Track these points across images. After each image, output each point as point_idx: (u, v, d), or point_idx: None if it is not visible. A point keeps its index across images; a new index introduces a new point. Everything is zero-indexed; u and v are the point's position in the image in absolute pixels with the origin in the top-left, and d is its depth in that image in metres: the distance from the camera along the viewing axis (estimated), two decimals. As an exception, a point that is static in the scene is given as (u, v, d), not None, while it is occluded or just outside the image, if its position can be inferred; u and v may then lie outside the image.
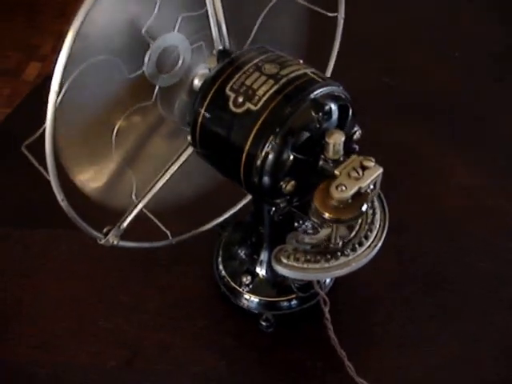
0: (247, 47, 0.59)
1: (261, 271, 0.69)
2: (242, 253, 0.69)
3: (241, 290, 0.68)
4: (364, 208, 0.51)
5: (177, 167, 0.61)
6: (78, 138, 0.53)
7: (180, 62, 0.57)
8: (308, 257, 0.55)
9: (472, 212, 0.80)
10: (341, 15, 0.67)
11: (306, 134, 0.52)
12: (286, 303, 0.67)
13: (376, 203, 0.60)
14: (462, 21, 1.11)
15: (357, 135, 0.57)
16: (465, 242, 0.76)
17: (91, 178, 0.56)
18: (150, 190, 0.60)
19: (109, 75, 0.51)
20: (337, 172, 0.51)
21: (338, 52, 0.70)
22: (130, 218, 0.60)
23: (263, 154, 0.51)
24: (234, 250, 0.70)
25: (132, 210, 0.60)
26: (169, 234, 0.64)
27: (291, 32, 0.63)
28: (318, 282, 0.63)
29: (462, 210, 0.80)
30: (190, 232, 0.69)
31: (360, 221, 0.58)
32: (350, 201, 0.50)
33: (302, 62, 0.56)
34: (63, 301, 0.71)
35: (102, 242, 0.57)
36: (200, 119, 0.56)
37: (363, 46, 1.01)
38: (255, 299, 0.68)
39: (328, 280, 0.69)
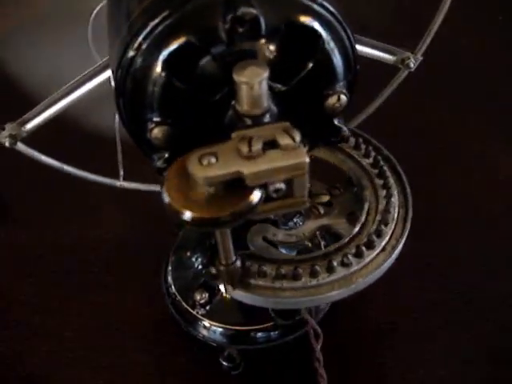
0: None
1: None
2: (197, 260, 0.54)
3: (194, 312, 0.52)
4: (256, 198, 0.30)
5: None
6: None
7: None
8: (282, 270, 0.37)
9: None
10: None
11: (202, 51, 0.32)
12: (259, 334, 0.52)
13: (390, 180, 0.40)
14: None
15: (332, 102, 0.35)
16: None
17: None
18: (79, 85, 0.43)
19: None
20: (233, 135, 0.31)
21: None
22: (41, 119, 0.44)
23: (126, 59, 0.32)
24: (186, 257, 0.55)
25: (46, 107, 0.44)
26: (121, 173, 0.50)
27: None
28: None
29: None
30: (144, 184, 0.52)
31: (366, 206, 0.39)
32: (224, 190, 0.30)
33: None
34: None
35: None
36: None
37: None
38: (215, 327, 0.52)
39: None
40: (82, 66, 0.45)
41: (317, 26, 0.33)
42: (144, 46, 0.32)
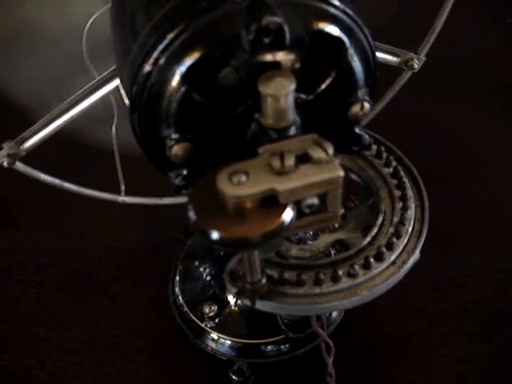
0: None
1: (232, 298, 0.51)
2: (205, 271, 0.52)
3: (202, 325, 0.51)
4: (288, 218, 0.28)
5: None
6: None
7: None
8: (286, 275, 0.35)
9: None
10: None
11: (224, 63, 0.30)
12: (270, 348, 0.51)
13: (409, 192, 0.39)
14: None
15: (355, 111, 0.34)
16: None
17: None
18: (77, 102, 0.41)
19: None
20: (260, 150, 0.29)
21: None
22: (39, 137, 0.42)
23: (142, 75, 0.31)
24: (194, 266, 0.54)
25: (44, 125, 0.42)
26: (122, 188, 0.48)
27: None
28: (318, 316, 0.45)
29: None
30: (145, 198, 0.51)
31: (380, 219, 0.38)
32: (254, 208, 0.28)
33: None
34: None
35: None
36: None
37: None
38: (223, 340, 0.50)
39: (334, 313, 0.53)
40: (78, 80, 0.43)
41: (340, 32, 0.31)
42: (161, 61, 0.30)
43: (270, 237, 0.28)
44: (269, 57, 0.29)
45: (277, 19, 0.28)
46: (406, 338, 0.55)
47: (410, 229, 0.38)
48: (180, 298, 0.53)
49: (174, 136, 0.31)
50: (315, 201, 0.29)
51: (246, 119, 0.31)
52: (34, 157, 0.42)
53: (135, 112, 0.32)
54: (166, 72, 0.30)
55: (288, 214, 0.28)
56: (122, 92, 0.41)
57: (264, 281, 0.35)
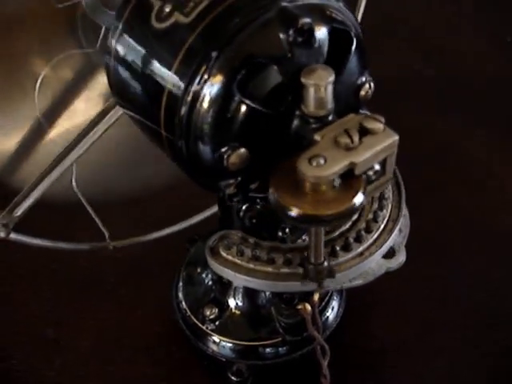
0: None
1: (232, 302, 0.51)
2: (207, 276, 0.53)
3: (203, 327, 0.51)
4: (359, 200, 0.31)
5: (101, 131, 0.42)
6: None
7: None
8: (257, 252, 0.38)
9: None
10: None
11: (268, 66, 0.33)
12: (268, 350, 0.51)
13: (387, 193, 0.41)
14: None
15: (366, 89, 0.37)
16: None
17: None
18: (60, 161, 0.42)
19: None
20: (317, 137, 0.32)
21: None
22: (29, 202, 0.42)
23: (191, 93, 0.32)
24: (197, 273, 0.54)
25: (33, 189, 0.42)
26: (106, 235, 0.49)
27: None
28: (314, 319, 0.45)
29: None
30: (134, 238, 0.52)
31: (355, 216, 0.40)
32: (335, 186, 0.31)
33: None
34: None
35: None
36: (113, 53, 0.37)
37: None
38: (224, 342, 0.51)
39: (331, 316, 0.54)
40: (30, 136, 0.45)
41: (344, 25, 0.35)
42: (209, 78, 0.32)
43: (342, 216, 0.31)
44: (303, 54, 0.33)
45: (308, 20, 0.32)
46: (398, 343, 0.55)
47: (383, 226, 0.39)
48: (183, 303, 0.53)
49: (231, 145, 0.33)
50: (378, 167, 0.33)
51: (289, 117, 0.34)
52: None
53: (182, 135, 0.34)
54: (215, 87, 0.32)
55: (359, 198, 0.31)
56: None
57: (326, 264, 0.37)
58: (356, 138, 0.31)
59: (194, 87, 0.32)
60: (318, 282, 0.37)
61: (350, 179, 0.31)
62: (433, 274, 0.59)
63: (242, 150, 0.34)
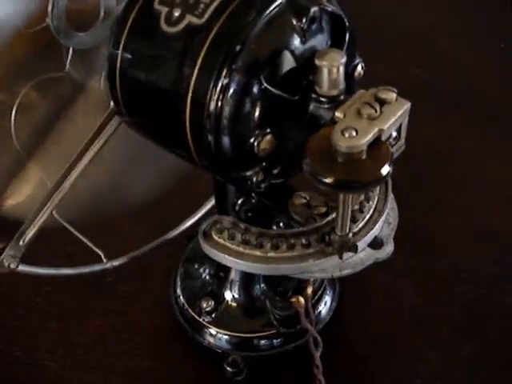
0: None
1: (228, 295, 0.53)
2: (204, 271, 0.54)
3: (200, 319, 0.52)
4: (386, 170, 0.32)
5: (94, 152, 0.42)
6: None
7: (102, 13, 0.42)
8: (247, 236, 0.40)
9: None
10: None
11: (284, 54, 0.35)
12: (263, 342, 0.52)
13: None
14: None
15: (358, 70, 0.39)
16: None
17: None
18: (58, 187, 0.43)
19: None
20: (339, 114, 0.34)
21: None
22: (33, 231, 0.43)
23: (218, 90, 0.34)
24: (195, 267, 0.56)
25: (35, 218, 0.43)
26: (102, 256, 0.49)
27: None
28: (307, 312, 0.47)
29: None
30: (128, 254, 0.53)
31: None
32: (363, 156, 0.32)
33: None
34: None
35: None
36: (118, 64, 0.38)
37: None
38: (220, 334, 0.52)
39: (324, 310, 0.55)
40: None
41: (337, 10, 0.38)
42: (235, 71, 0.34)
43: (371, 184, 0.33)
44: (314, 40, 0.36)
45: (318, 9, 0.35)
46: (392, 338, 0.55)
47: (368, 216, 0.41)
48: (181, 297, 0.54)
49: (260, 132, 0.36)
50: (395, 133, 0.35)
51: (305, 100, 0.36)
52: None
53: (212, 131, 0.35)
54: (242, 79, 0.34)
55: (385, 169, 0.32)
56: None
57: (351, 236, 0.38)
58: (378, 108, 0.33)
59: (221, 82, 0.34)
60: (340, 254, 0.39)
61: (375, 148, 0.33)
62: (426, 270, 0.60)
63: (269, 135, 0.36)
